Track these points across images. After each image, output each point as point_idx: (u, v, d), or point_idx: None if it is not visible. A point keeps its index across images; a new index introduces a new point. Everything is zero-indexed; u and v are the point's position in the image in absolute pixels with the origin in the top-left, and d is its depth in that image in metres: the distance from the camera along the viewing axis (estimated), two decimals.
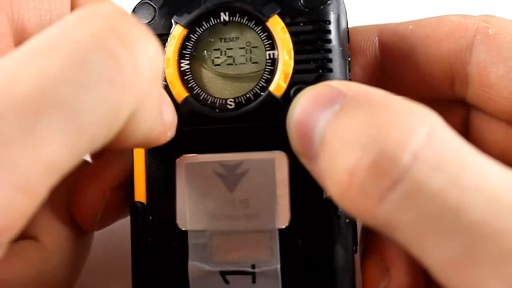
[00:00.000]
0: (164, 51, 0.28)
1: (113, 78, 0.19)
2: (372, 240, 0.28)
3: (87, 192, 0.29)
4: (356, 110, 0.21)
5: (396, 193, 0.20)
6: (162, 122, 0.24)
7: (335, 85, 0.23)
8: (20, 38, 0.29)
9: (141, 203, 0.28)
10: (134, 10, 0.29)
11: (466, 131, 0.30)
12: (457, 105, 0.30)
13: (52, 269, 0.28)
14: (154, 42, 0.21)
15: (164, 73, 0.28)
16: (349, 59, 0.28)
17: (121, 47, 0.20)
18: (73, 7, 0.31)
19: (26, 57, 0.19)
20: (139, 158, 0.28)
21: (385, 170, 0.20)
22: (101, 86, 0.19)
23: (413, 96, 0.31)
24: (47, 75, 0.19)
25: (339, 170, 0.21)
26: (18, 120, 0.18)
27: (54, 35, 0.20)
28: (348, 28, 0.28)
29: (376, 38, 0.30)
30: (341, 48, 0.27)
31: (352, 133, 0.21)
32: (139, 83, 0.20)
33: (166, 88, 0.28)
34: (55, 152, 0.18)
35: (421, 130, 0.20)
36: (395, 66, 0.30)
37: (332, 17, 0.27)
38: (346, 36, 0.28)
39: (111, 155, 0.30)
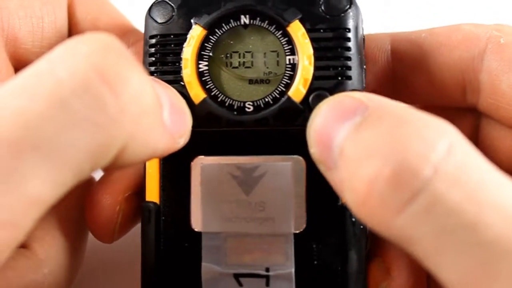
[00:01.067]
0: (182, 52, 0.28)
1: (96, 118, 0.20)
2: (374, 242, 0.28)
3: (102, 205, 0.29)
4: (377, 122, 0.22)
5: (414, 205, 0.20)
6: (169, 136, 0.24)
7: (358, 96, 0.23)
8: (12, 46, 0.29)
9: (154, 203, 0.28)
10: (150, 9, 0.29)
11: (476, 138, 0.31)
12: (467, 112, 0.31)
13: (44, 278, 0.27)
14: (138, 74, 0.21)
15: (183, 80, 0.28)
16: (364, 67, 0.28)
17: (104, 86, 0.20)
18: (70, 13, 0.31)
19: (8, 94, 0.19)
20: (152, 159, 0.28)
21: (405, 182, 0.20)
22: (84, 126, 0.19)
23: (424, 104, 0.32)
24: (29, 114, 0.19)
25: (358, 179, 0.21)
26: (0, 159, 0.18)
27: (37, 73, 0.20)
28: (364, 36, 0.29)
29: (389, 46, 0.31)
30: (359, 56, 0.28)
31: (373, 144, 0.21)
32: (125, 119, 0.20)
33: (183, 88, 0.28)
34: (39, 188, 0.19)
35: (442, 143, 0.20)
36: (407, 73, 0.31)
37: (352, 25, 0.28)
38: (363, 44, 0.28)
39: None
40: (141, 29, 0.32)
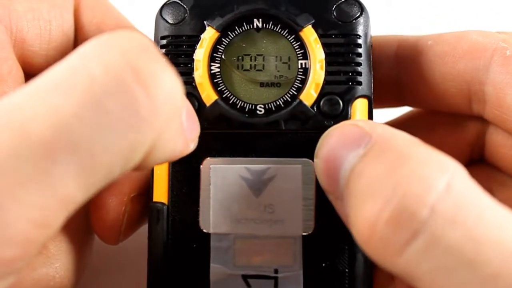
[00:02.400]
0: (194, 53, 0.28)
1: (129, 118, 0.19)
2: None
3: (107, 206, 0.29)
4: (379, 157, 0.22)
5: (414, 245, 0.21)
6: (184, 139, 0.24)
7: (361, 125, 0.24)
8: (20, 49, 0.29)
9: (162, 203, 0.28)
10: (161, 9, 0.29)
11: (482, 145, 0.31)
12: (473, 118, 0.31)
13: (56, 272, 0.28)
14: (171, 75, 0.21)
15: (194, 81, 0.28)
16: (372, 72, 0.29)
17: (138, 85, 0.20)
18: (76, 17, 0.31)
19: (42, 92, 0.19)
20: None
21: (404, 224, 0.21)
22: (117, 126, 0.19)
23: (429, 110, 0.32)
24: (62, 115, 0.19)
25: (361, 220, 0.22)
26: (34, 159, 0.18)
27: (70, 69, 0.20)
28: (371, 42, 0.29)
29: (395, 51, 0.31)
30: (368, 62, 0.28)
31: (374, 183, 0.22)
32: (156, 120, 0.20)
33: (195, 90, 0.28)
34: (70, 189, 0.19)
35: (440, 182, 0.21)
36: (411, 80, 0.31)
37: (363, 31, 0.28)
38: (371, 49, 0.29)
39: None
40: (141, 29, 0.32)
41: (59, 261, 0.28)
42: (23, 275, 0.26)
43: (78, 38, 0.31)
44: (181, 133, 0.23)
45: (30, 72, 0.30)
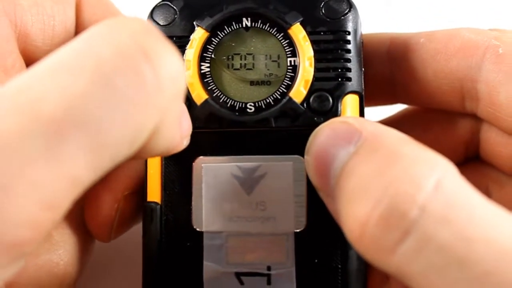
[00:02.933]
0: (184, 54, 0.28)
1: (137, 96, 0.19)
2: None
3: (101, 203, 0.29)
4: (369, 156, 0.23)
5: (405, 245, 0.21)
6: (180, 133, 0.24)
7: (351, 122, 0.24)
8: (23, 43, 0.29)
9: (156, 203, 0.28)
10: (152, 11, 0.29)
11: (477, 142, 0.31)
12: (467, 117, 0.31)
13: (60, 258, 0.28)
14: (177, 57, 0.21)
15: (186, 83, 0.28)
16: (363, 69, 0.29)
17: (146, 64, 0.20)
18: (77, 13, 0.31)
19: (51, 72, 0.19)
20: (154, 159, 0.28)
21: (394, 224, 0.21)
22: (126, 105, 0.19)
23: (422, 107, 0.32)
24: (72, 94, 0.19)
25: (352, 220, 0.22)
26: (44, 139, 0.18)
27: (79, 50, 0.20)
28: (362, 38, 0.29)
29: (387, 48, 0.31)
30: (358, 58, 0.28)
31: (365, 182, 0.22)
32: (161, 99, 0.20)
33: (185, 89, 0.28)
34: (79, 169, 0.19)
35: (429, 181, 0.21)
36: (404, 78, 0.31)
37: (351, 27, 0.28)
38: (361, 46, 0.29)
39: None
40: None
41: (63, 248, 0.28)
42: (26, 261, 0.26)
43: (77, 34, 0.31)
44: (179, 123, 0.23)
45: None
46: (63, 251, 0.28)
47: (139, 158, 0.23)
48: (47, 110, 0.18)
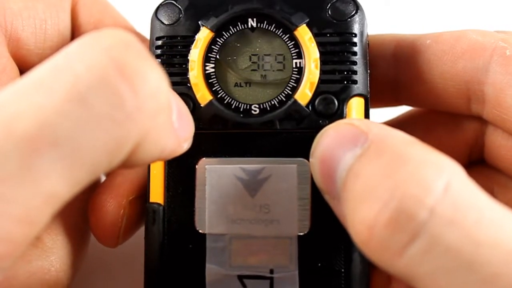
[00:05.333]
0: (188, 53, 0.28)
1: (114, 114, 0.19)
2: None
3: (106, 210, 0.29)
4: (376, 158, 0.22)
5: (413, 247, 0.21)
6: (176, 138, 0.24)
7: (357, 124, 0.24)
8: (14, 47, 0.29)
9: (158, 204, 0.28)
10: (157, 10, 0.29)
11: (481, 145, 0.31)
12: (472, 119, 0.31)
13: (51, 265, 0.28)
14: (156, 71, 0.21)
15: (189, 81, 0.28)
16: (368, 71, 0.28)
17: (123, 81, 0.20)
18: (73, 16, 0.31)
19: (27, 90, 0.19)
20: None
21: (403, 226, 0.21)
22: (102, 122, 0.19)
23: (427, 109, 0.32)
24: (46, 111, 0.19)
25: (359, 222, 0.22)
26: (18, 156, 0.18)
27: (55, 67, 0.20)
28: (368, 40, 0.29)
29: (393, 50, 0.31)
30: (364, 60, 0.28)
31: (372, 184, 0.22)
32: (141, 117, 0.20)
33: (190, 90, 0.28)
34: (55, 185, 0.19)
35: (438, 184, 0.21)
36: (410, 79, 0.31)
37: (358, 29, 0.28)
38: (367, 48, 0.29)
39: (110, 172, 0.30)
40: (139, 29, 0.33)
41: (55, 254, 0.28)
42: (17, 268, 0.26)
43: (75, 37, 0.31)
44: (171, 132, 0.23)
45: (25, 71, 0.30)
46: (54, 258, 0.28)
47: (131, 167, 0.23)
48: (21, 127, 0.18)
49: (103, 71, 0.20)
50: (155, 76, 0.21)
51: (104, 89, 0.19)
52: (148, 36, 0.30)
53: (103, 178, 0.30)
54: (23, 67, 0.30)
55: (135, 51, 0.21)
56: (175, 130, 0.24)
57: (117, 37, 0.21)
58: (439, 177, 0.21)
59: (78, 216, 0.30)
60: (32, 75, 0.20)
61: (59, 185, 0.19)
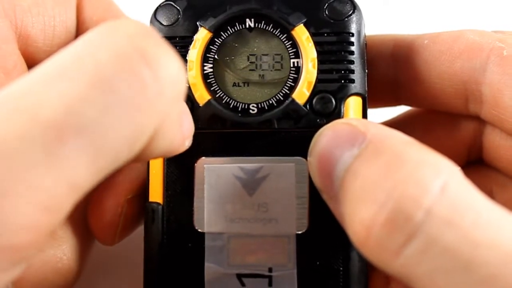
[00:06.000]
0: (187, 54, 0.28)
1: (136, 99, 0.19)
2: None
3: (104, 208, 0.29)
4: (374, 158, 0.22)
5: (410, 248, 0.21)
6: (181, 134, 0.24)
7: (355, 123, 0.24)
8: (24, 44, 0.29)
9: (157, 203, 0.28)
10: (156, 11, 0.29)
11: (480, 145, 0.31)
12: (470, 119, 0.31)
13: (63, 253, 0.28)
14: (176, 60, 0.21)
15: (188, 82, 0.28)
16: (366, 70, 0.29)
17: (145, 67, 0.20)
18: (78, 13, 0.31)
19: (50, 78, 0.19)
20: (156, 159, 0.28)
21: (400, 226, 0.21)
22: (125, 108, 0.19)
23: (425, 109, 0.32)
24: (71, 98, 0.19)
25: (357, 222, 0.22)
26: (44, 143, 0.18)
27: (77, 54, 0.20)
28: (365, 40, 0.29)
29: (391, 50, 0.31)
30: (362, 60, 0.28)
31: (369, 184, 0.22)
32: (162, 102, 0.20)
33: (188, 90, 0.28)
34: (79, 173, 0.19)
35: (435, 184, 0.21)
36: (408, 79, 0.31)
37: (355, 29, 0.28)
38: (365, 48, 0.29)
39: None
40: None
41: (66, 243, 0.28)
42: (29, 262, 0.26)
43: (78, 34, 0.31)
44: (179, 126, 0.23)
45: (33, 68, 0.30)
46: (66, 247, 0.28)
47: (140, 161, 0.23)
48: (46, 115, 0.18)
49: (126, 57, 0.19)
50: (175, 64, 0.21)
51: (127, 75, 0.19)
52: None
53: None
54: (31, 65, 0.30)
55: (154, 39, 0.21)
56: (181, 126, 0.24)
57: (137, 25, 0.21)
58: (436, 177, 0.21)
59: (86, 205, 0.30)
60: (53, 62, 0.20)
61: (83, 173, 0.19)
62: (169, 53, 0.21)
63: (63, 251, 0.28)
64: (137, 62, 0.20)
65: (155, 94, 0.20)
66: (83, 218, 0.30)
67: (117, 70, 0.19)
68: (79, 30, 0.31)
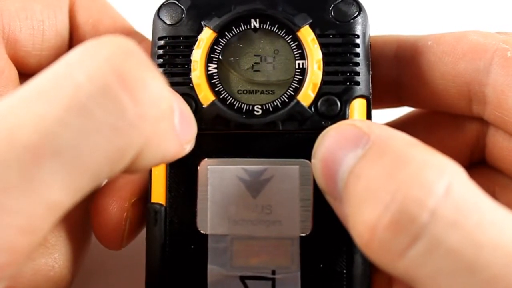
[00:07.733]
0: (191, 54, 0.28)
1: (115, 123, 0.19)
2: None
3: (109, 213, 0.29)
4: (378, 159, 0.22)
5: (415, 249, 0.21)
6: (177, 142, 0.24)
7: (359, 125, 0.24)
8: (12, 48, 0.29)
9: (160, 204, 0.28)
10: (159, 10, 0.29)
11: (483, 146, 0.31)
12: (474, 120, 0.31)
13: (55, 262, 0.28)
14: (158, 79, 0.21)
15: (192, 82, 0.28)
16: (370, 72, 0.28)
17: (123, 90, 0.20)
18: (72, 16, 0.31)
19: (27, 100, 0.19)
20: None
21: (404, 228, 0.21)
22: (103, 131, 0.19)
23: (428, 110, 0.32)
24: (47, 120, 0.19)
25: (361, 224, 0.22)
26: (19, 166, 0.18)
27: (57, 76, 0.20)
28: (370, 41, 0.29)
29: (395, 51, 0.31)
30: (367, 62, 0.28)
31: (373, 186, 0.22)
32: (143, 125, 0.20)
33: (192, 90, 0.28)
34: (57, 194, 0.19)
35: (439, 186, 0.21)
36: (411, 80, 0.31)
37: (361, 31, 0.28)
38: (369, 49, 0.29)
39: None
40: (139, 29, 0.32)
41: (58, 251, 0.28)
42: (23, 266, 0.26)
43: (73, 38, 0.31)
44: (174, 136, 0.23)
45: (24, 72, 0.30)
46: (58, 255, 0.28)
47: (134, 172, 0.23)
48: (22, 137, 0.18)
49: (103, 80, 0.19)
50: (156, 84, 0.21)
51: (104, 98, 0.19)
52: (147, 36, 0.30)
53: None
54: (22, 69, 0.30)
55: (135, 59, 0.21)
56: (177, 134, 0.24)
57: (117, 44, 0.21)
58: (441, 178, 0.21)
59: (80, 213, 0.30)
60: (32, 84, 0.20)
61: (61, 194, 0.19)
62: (149, 73, 0.21)
63: (54, 260, 0.28)
64: (114, 86, 0.20)
65: (136, 117, 0.20)
66: (77, 225, 0.29)
67: (93, 94, 0.19)
68: (74, 33, 0.31)
